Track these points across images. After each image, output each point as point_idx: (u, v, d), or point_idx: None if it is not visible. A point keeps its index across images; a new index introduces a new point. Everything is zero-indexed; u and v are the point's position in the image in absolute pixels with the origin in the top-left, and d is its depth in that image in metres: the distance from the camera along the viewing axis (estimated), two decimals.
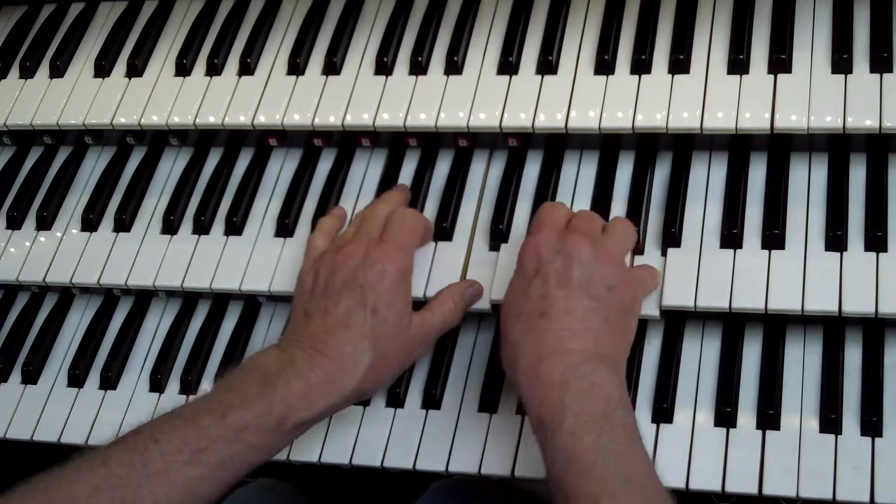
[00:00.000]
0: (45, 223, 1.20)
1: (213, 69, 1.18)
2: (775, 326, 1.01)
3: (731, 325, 1.02)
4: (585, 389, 0.86)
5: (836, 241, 0.98)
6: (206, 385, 1.13)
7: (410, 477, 1.04)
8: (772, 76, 1.02)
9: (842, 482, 0.92)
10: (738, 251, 1.00)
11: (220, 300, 1.18)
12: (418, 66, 1.12)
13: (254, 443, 0.89)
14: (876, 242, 0.97)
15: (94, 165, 1.25)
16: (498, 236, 1.07)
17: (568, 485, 0.82)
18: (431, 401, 1.05)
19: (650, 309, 0.99)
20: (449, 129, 1.09)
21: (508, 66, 1.09)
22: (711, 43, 1.06)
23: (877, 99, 0.98)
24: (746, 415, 0.97)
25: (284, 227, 1.13)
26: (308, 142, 1.18)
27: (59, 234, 1.19)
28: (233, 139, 1.22)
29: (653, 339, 1.03)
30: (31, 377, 1.17)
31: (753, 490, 0.94)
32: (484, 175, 1.13)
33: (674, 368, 1.01)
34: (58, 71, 1.23)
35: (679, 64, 1.05)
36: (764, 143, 1.05)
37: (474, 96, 1.08)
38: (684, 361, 1.02)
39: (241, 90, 1.16)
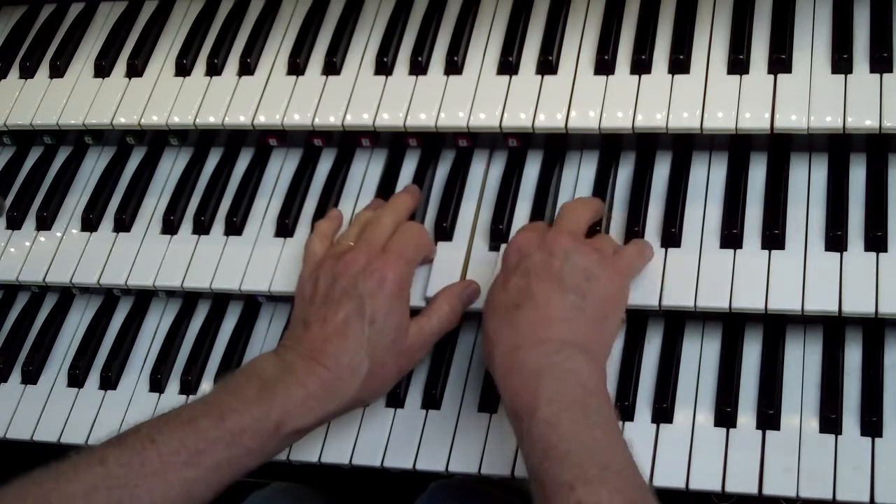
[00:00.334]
0: (45, 223, 1.20)
1: (213, 69, 1.18)
2: (775, 326, 1.01)
3: (731, 325, 1.02)
4: (559, 377, 0.85)
5: (836, 241, 0.98)
6: (205, 385, 1.13)
7: (410, 477, 1.04)
8: (772, 76, 1.02)
9: (842, 482, 0.92)
10: (738, 251, 1.00)
11: (220, 300, 1.18)
12: (418, 66, 1.12)
13: (251, 447, 0.89)
14: (876, 242, 0.97)
15: (94, 165, 1.25)
16: (498, 236, 1.07)
17: (544, 472, 0.81)
18: (431, 401, 1.05)
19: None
20: (449, 129, 1.09)
21: (508, 66, 1.09)
22: (711, 43, 1.06)
23: (877, 99, 0.98)
24: (746, 415, 0.97)
25: (284, 227, 1.13)
26: (308, 142, 1.18)
27: (59, 234, 1.19)
28: (233, 139, 1.22)
29: (653, 339, 1.03)
30: (31, 377, 1.17)
31: (753, 490, 0.94)
32: (484, 175, 1.13)
33: (674, 368, 1.01)
34: (58, 71, 1.23)
35: (679, 64, 1.05)
36: (764, 143, 1.05)
37: (474, 96, 1.08)
38: (684, 361, 1.02)
39: (241, 90, 1.16)
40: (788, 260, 0.98)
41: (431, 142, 1.15)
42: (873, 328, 0.99)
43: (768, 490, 0.93)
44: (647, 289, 1.00)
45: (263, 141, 1.19)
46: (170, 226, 1.16)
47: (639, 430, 0.98)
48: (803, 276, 0.97)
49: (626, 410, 0.99)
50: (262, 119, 1.13)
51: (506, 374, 0.89)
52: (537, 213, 1.07)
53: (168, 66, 1.21)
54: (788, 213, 1.01)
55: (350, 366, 0.93)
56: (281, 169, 1.19)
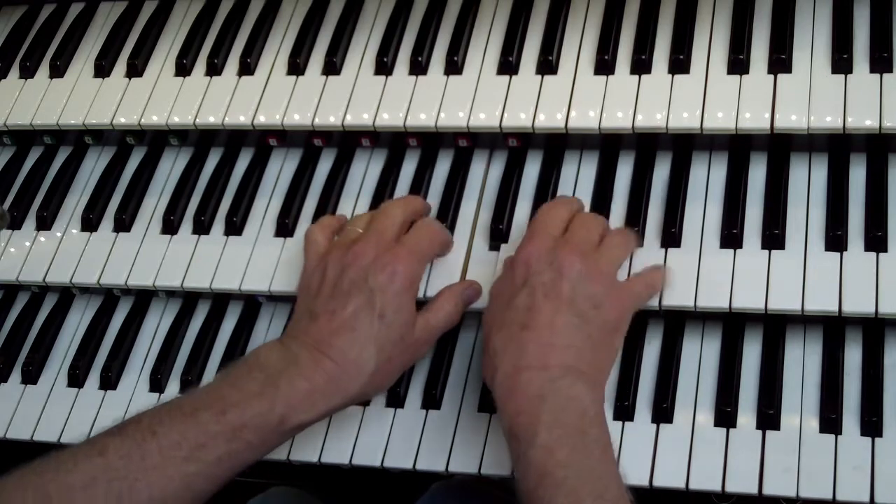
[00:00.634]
0: (45, 223, 1.20)
1: (213, 69, 1.18)
2: (775, 326, 1.01)
3: (731, 325, 1.02)
4: (561, 404, 0.86)
5: (836, 241, 0.98)
6: None
7: (411, 477, 1.04)
8: (772, 76, 1.02)
9: (842, 482, 0.92)
10: (738, 251, 1.00)
11: (220, 300, 1.18)
12: (418, 66, 1.12)
13: (252, 441, 0.89)
14: (876, 242, 0.97)
15: (94, 165, 1.25)
16: (498, 236, 1.07)
17: (538, 498, 0.82)
18: (431, 401, 1.05)
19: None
20: (449, 129, 1.09)
21: (508, 66, 1.09)
22: (711, 43, 1.06)
23: (877, 99, 0.98)
24: (746, 415, 0.97)
25: (284, 227, 1.13)
26: (308, 142, 1.18)
27: (59, 234, 1.19)
28: (233, 139, 1.22)
29: (653, 339, 1.03)
30: (31, 377, 1.17)
31: (753, 490, 0.94)
32: (484, 175, 1.13)
33: (674, 368, 1.01)
34: (58, 71, 1.23)
35: (679, 64, 1.05)
36: (764, 143, 1.05)
37: (474, 96, 1.08)
38: (684, 361, 1.02)
39: (241, 90, 1.16)
40: (788, 260, 0.98)
41: (431, 142, 1.15)
42: (873, 328, 0.99)
43: (768, 490, 0.93)
44: None
45: (263, 141, 1.19)
46: (170, 226, 1.16)
47: (639, 430, 0.98)
48: (803, 276, 0.97)
49: (626, 410, 0.99)
50: (262, 119, 1.13)
51: (507, 395, 0.88)
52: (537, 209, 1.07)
53: (168, 66, 1.21)
54: (788, 213, 1.01)
55: (357, 361, 0.92)
56: (281, 169, 1.19)
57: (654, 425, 0.98)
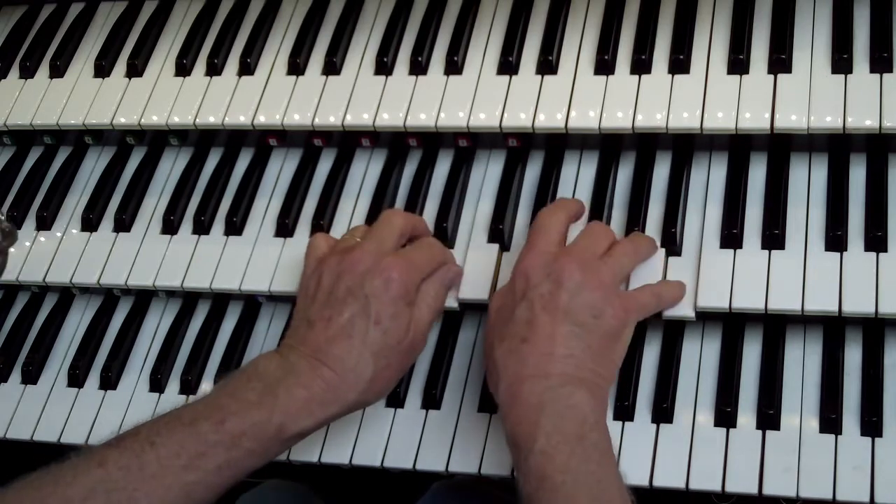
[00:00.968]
0: (45, 223, 1.20)
1: (213, 69, 1.18)
2: (775, 326, 1.01)
3: (731, 325, 1.02)
4: (560, 412, 0.86)
5: (836, 241, 0.98)
6: (205, 385, 1.13)
7: (412, 477, 1.04)
8: (772, 76, 1.02)
9: (842, 482, 0.92)
10: (738, 251, 1.00)
11: (220, 300, 1.18)
12: (418, 66, 1.12)
13: (252, 449, 0.89)
14: (876, 242, 0.97)
15: (94, 165, 1.25)
16: (498, 236, 1.07)
17: (538, 502, 0.83)
18: (431, 401, 1.05)
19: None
20: (449, 129, 1.09)
21: (508, 66, 1.09)
22: (711, 43, 1.06)
23: (877, 99, 0.98)
24: (746, 415, 0.97)
25: (284, 227, 1.13)
26: (308, 142, 1.18)
27: (59, 234, 1.19)
28: (233, 139, 1.22)
29: (653, 339, 1.03)
30: (31, 377, 1.17)
31: (753, 490, 0.94)
32: (484, 175, 1.13)
33: (674, 368, 1.01)
34: (58, 71, 1.23)
35: (679, 64, 1.05)
36: (764, 143, 1.05)
37: (474, 96, 1.08)
38: (684, 361, 1.02)
39: (241, 90, 1.16)
40: (788, 260, 0.98)
41: (431, 142, 1.15)
42: (873, 328, 0.99)
43: (768, 490, 0.93)
44: None
45: (263, 141, 1.19)
46: (170, 226, 1.16)
47: (639, 430, 0.98)
48: (803, 276, 0.97)
49: (626, 410, 0.99)
50: (262, 119, 1.13)
51: (509, 404, 0.89)
52: (537, 213, 1.07)
53: (168, 66, 1.21)
54: (788, 213, 1.01)
55: (355, 368, 0.92)
56: (281, 169, 1.19)
57: (655, 425, 0.98)
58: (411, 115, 1.09)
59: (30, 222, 1.22)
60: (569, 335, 0.90)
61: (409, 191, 1.13)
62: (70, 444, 1.11)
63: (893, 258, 0.96)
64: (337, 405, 0.92)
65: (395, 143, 1.16)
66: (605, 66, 1.07)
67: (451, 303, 1.03)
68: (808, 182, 1.03)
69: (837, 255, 0.98)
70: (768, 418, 0.96)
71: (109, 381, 1.14)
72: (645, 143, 1.09)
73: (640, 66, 1.06)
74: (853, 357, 0.99)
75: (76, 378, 1.15)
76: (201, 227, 1.16)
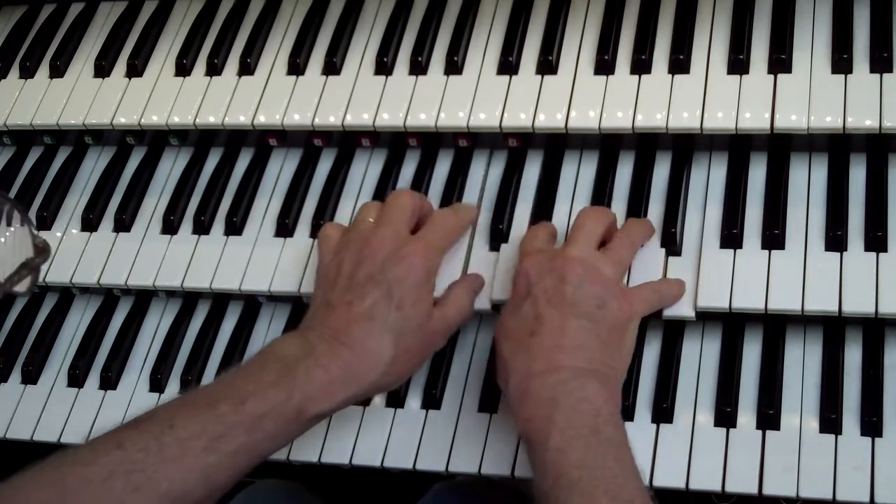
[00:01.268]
0: (44, 223, 1.20)
1: (213, 69, 1.18)
2: (775, 326, 1.01)
3: (731, 325, 1.02)
4: (573, 405, 0.85)
5: (836, 241, 0.98)
6: None
7: (412, 477, 1.04)
8: (772, 76, 1.02)
9: (842, 482, 0.92)
10: (738, 251, 1.00)
11: (220, 300, 1.18)
12: (418, 66, 1.12)
13: (271, 431, 0.88)
14: (876, 242, 0.97)
15: (94, 165, 1.25)
16: (498, 236, 1.07)
17: (555, 499, 0.82)
18: (431, 401, 1.05)
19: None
20: (449, 129, 1.09)
21: (508, 66, 1.09)
22: (711, 43, 1.06)
23: (877, 99, 0.98)
24: (746, 415, 0.97)
25: (284, 227, 1.13)
26: (308, 142, 1.18)
27: (59, 234, 1.19)
28: (233, 139, 1.22)
29: (653, 339, 1.03)
30: (31, 377, 1.17)
31: (753, 490, 0.94)
32: (484, 175, 1.13)
33: (674, 368, 1.01)
34: (58, 71, 1.23)
35: (679, 64, 1.05)
36: (764, 143, 1.05)
37: (474, 96, 1.08)
38: (684, 361, 1.02)
39: (241, 90, 1.16)
40: (788, 260, 0.98)
41: (431, 142, 1.15)
42: (873, 328, 0.99)
43: (768, 490, 0.93)
44: None
45: (263, 141, 1.19)
46: (170, 226, 1.17)
47: (639, 430, 0.98)
48: (803, 276, 0.97)
49: (626, 410, 0.99)
50: (262, 119, 1.13)
51: (520, 400, 0.88)
52: (537, 213, 1.07)
53: (168, 66, 1.21)
54: (788, 213, 1.01)
55: (375, 350, 0.92)
56: (281, 169, 1.19)
57: (654, 425, 0.98)
58: (411, 115, 1.09)
59: None
60: (577, 327, 0.90)
61: None
62: (70, 444, 1.11)
63: (893, 258, 0.96)
64: (356, 386, 0.92)
65: (395, 143, 1.16)
66: (605, 66, 1.07)
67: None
68: (808, 182, 1.03)
69: (837, 255, 0.98)
70: (768, 418, 0.96)
71: (109, 381, 1.14)
72: (645, 143, 1.09)
73: (640, 66, 1.06)
74: (853, 357, 0.99)
75: (76, 378, 1.15)
76: (201, 227, 1.16)
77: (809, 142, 1.04)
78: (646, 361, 1.02)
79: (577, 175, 1.10)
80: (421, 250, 0.96)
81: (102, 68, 1.22)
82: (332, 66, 1.15)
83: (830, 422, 0.95)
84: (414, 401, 1.06)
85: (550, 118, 1.05)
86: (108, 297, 1.21)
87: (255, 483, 1.19)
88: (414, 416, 1.05)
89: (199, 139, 1.23)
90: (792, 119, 0.99)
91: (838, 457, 0.93)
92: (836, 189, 1.02)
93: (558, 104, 1.06)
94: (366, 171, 1.16)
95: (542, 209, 1.08)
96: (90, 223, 1.19)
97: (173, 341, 1.15)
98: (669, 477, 0.95)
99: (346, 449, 1.04)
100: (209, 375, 1.13)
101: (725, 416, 0.97)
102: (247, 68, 1.17)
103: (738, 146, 1.06)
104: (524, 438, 0.87)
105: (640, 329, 1.02)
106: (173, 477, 0.84)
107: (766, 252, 0.99)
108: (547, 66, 1.08)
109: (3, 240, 0.57)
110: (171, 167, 1.23)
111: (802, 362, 0.99)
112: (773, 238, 0.99)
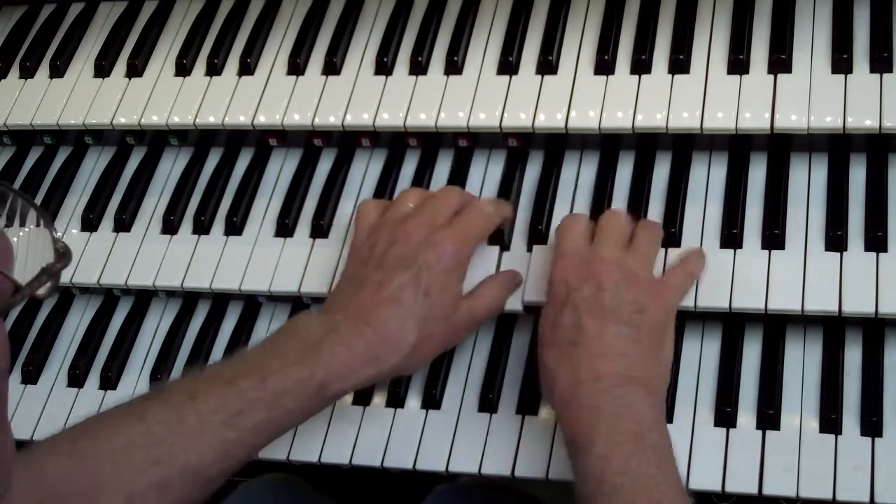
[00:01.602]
0: None
1: (213, 69, 1.18)
2: (775, 326, 1.01)
3: (731, 325, 1.02)
4: (617, 412, 0.86)
5: (836, 241, 0.98)
6: None
7: (415, 478, 1.04)
8: (772, 76, 1.02)
9: (842, 482, 0.92)
10: (738, 251, 1.00)
11: (220, 300, 1.18)
12: (418, 66, 1.12)
13: (292, 408, 0.88)
14: (876, 242, 0.97)
15: (94, 165, 1.25)
16: (497, 237, 1.07)
17: None
18: (431, 401, 1.05)
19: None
20: (449, 129, 1.09)
21: (508, 66, 1.09)
22: (711, 43, 1.06)
23: (877, 99, 0.98)
24: (746, 415, 0.97)
25: (284, 227, 1.13)
26: (308, 142, 1.18)
27: (58, 235, 1.19)
28: (233, 139, 1.22)
29: None
30: (31, 377, 1.17)
31: (753, 490, 0.94)
32: (484, 175, 1.13)
33: (674, 368, 1.00)
34: (58, 71, 1.23)
35: (679, 64, 1.05)
36: (764, 143, 1.05)
37: (474, 96, 1.08)
38: (684, 361, 1.01)
39: (241, 90, 1.16)
40: (788, 260, 0.98)
41: (431, 142, 1.15)
42: (873, 328, 0.99)
43: (768, 490, 0.93)
44: None
45: (263, 141, 1.19)
46: (170, 226, 1.16)
47: None
48: (803, 276, 0.97)
49: None
50: (262, 119, 1.13)
51: (565, 407, 0.89)
52: (537, 213, 1.07)
53: (168, 66, 1.21)
54: (788, 213, 1.01)
55: (398, 333, 0.92)
56: (281, 169, 1.19)
57: None
58: (411, 115, 1.09)
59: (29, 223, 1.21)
60: (618, 335, 0.90)
61: None
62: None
63: (893, 258, 0.96)
64: (376, 367, 0.92)
65: (394, 143, 1.16)
66: (605, 66, 1.07)
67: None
68: (808, 182, 1.03)
69: (837, 255, 0.98)
70: (768, 418, 0.96)
71: (109, 381, 1.14)
72: (645, 143, 1.09)
73: (640, 66, 1.06)
74: (853, 357, 0.99)
75: (76, 378, 1.15)
76: (201, 227, 1.16)
77: (809, 142, 1.04)
78: None
79: (578, 175, 1.10)
80: (453, 239, 0.96)
81: (102, 68, 1.22)
82: (332, 66, 1.15)
83: (830, 422, 0.95)
84: (414, 401, 1.06)
85: (550, 118, 1.05)
86: (108, 297, 1.21)
87: (257, 478, 1.19)
88: (414, 416, 1.05)
89: (199, 139, 1.23)
90: (792, 119, 0.99)
91: (838, 457, 0.93)
92: (836, 189, 1.02)
93: (558, 104, 1.06)
94: (366, 171, 1.16)
95: (542, 209, 1.07)
96: (90, 223, 1.19)
97: (173, 341, 1.15)
98: None
99: (346, 449, 1.04)
100: None
101: (725, 416, 0.97)
102: (247, 68, 1.17)
103: (738, 146, 1.06)
104: (568, 444, 0.88)
105: None
106: (193, 451, 0.84)
107: (766, 252, 0.99)
108: (547, 66, 1.08)
109: (16, 240, 0.56)
110: (171, 167, 1.23)
111: (802, 362, 0.99)
112: (773, 238, 0.99)
